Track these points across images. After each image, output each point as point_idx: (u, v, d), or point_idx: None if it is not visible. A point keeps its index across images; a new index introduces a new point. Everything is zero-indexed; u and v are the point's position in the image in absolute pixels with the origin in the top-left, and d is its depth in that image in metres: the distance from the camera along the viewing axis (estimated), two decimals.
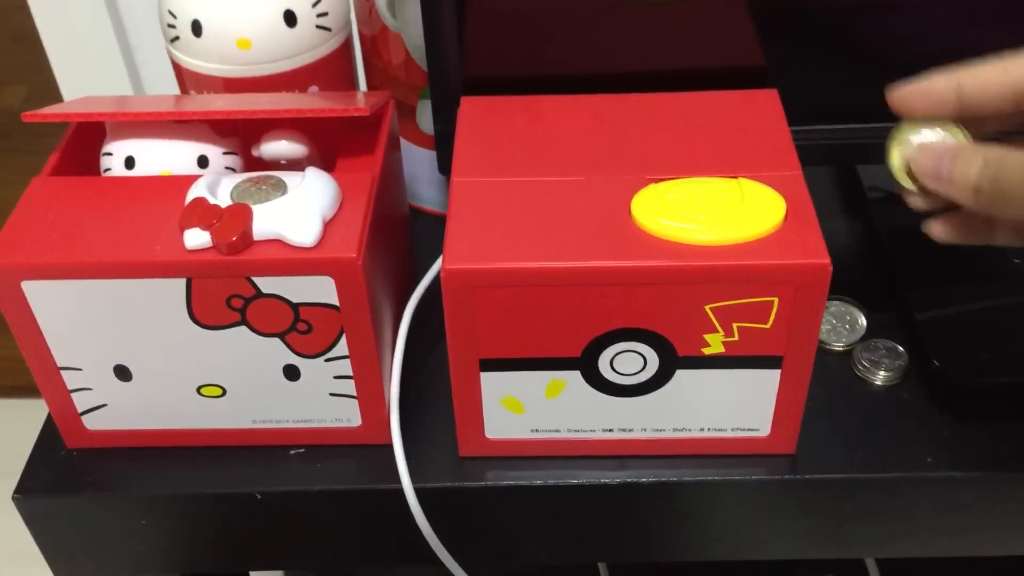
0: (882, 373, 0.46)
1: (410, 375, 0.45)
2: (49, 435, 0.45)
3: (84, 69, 0.83)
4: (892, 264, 0.50)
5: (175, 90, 0.54)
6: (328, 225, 0.39)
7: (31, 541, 0.45)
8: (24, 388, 1.27)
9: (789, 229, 0.37)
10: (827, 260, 0.36)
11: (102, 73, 0.82)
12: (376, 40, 0.52)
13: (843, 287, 0.49)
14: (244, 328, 0.40)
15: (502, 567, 0.57)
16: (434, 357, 0.48)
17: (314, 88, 0.52)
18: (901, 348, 0.47)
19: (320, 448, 0.44)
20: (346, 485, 0.43)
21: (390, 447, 0.43)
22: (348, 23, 0.53)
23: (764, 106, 0.44)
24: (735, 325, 0.38)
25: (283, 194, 0.39)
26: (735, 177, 0.40)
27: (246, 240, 0.38)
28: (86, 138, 0.44)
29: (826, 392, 0.46)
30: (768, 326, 0.38)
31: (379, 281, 0.41)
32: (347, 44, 0.54)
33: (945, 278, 0.49)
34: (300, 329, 0.40)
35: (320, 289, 0.38)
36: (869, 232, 0.54)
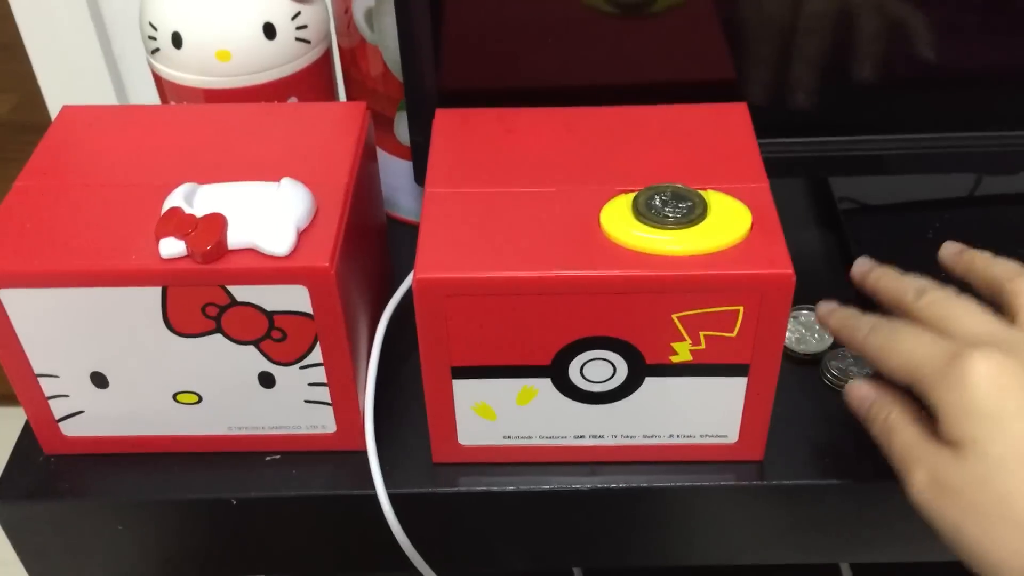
0: (850, 382, 0.46)
1: (385, 382, 0.46)
2: (27, 441, 0.45)
3: (69, 78, 0.83)
4: None
5: (159, 99, 0.55)
6: (302, 234, 0.39)
7: (11, 548, 0.45)
8: (2, 396, 1.27)
9: (754, 240, 0.38)
10: (790, 270, 0.37)
11: (87, 82, 0.83)
12: (355, 52, 0.53)
13: (813, 296, 0.50)
14: (219, 336, 0.40)
15: (476, 572, 0.58)
16: (409, 365, 0.49)
17: (293, 99, 0.53)
18: None
19: (295, 454, 0.45)
20: (321, 491, 0.44)
21: (364, 453, 0.44)
22: (327, 36, 0.54)
23: (733, 119, 0.45)
24: (702, 334, 0.39)
25: (258, 204, 0.40)
26: (703, 189, 0.40)
27: (221, 249, 0.38)
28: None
29: (794, 400, 0.46)
30: (734, 335, 0.39)
31: (354, 289, 0.42)
32: (327, 56, 0.55)
33: None
34: (275, 337, 0.40)
35: (294, 298, 0.39)
36: (840, 242, 0.55)
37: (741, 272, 0.37)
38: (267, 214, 0.39)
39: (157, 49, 0.51)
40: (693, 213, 0.39)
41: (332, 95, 0.56)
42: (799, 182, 0.60)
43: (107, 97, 0.83)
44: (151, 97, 0.84)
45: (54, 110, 0.86)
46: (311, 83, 0.54)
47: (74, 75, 0.82)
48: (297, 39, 0.52)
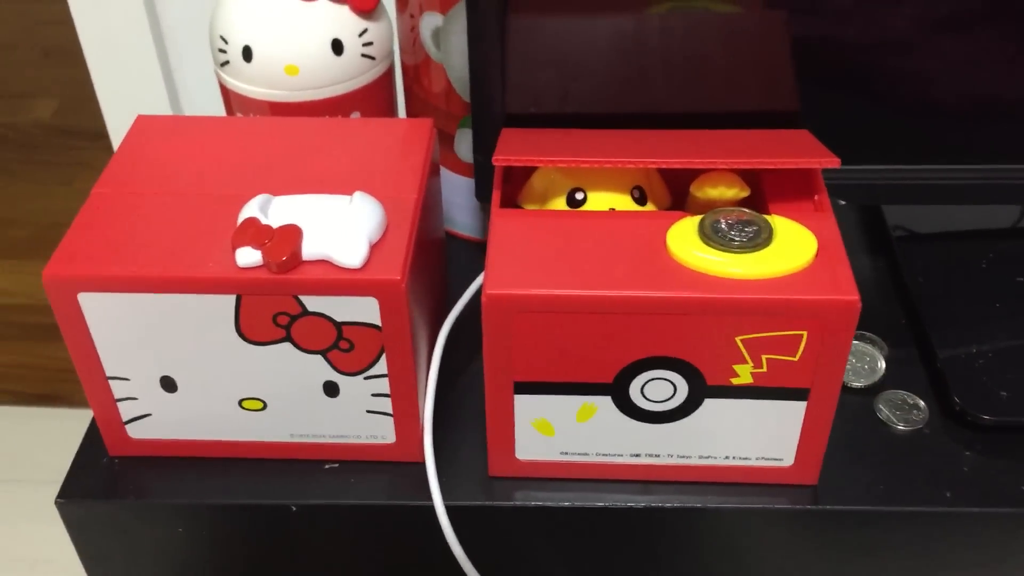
0: (901, 426, 0.47)
1: (441, 395, 0.46)
2: (91, 443, 0.46)
3: (124, 86, 0.85)
4: (915, 302, 0.52)
5: (212, 109, 0.56)
6: (374, 248, 0.40)
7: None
8: (50, 397, 1.29)
9: (820, 266, 0.39)
10: (856, 297, 0.38)
11: (142, 90, 0.84)
12: (419, 69, 0.54)
13: (865, 323, 0.51)
14: (288, 344, 0.41)
15: None
16: (464, 378, 0.49)
17: (356, 114, 0.54)
18: (923, 403, 0.47)
19: (354, 463, 0.45)
20: (379, 500, 0.44)
21: (421, 465, 0.44)
22: (391, 52, 0.55)
23: (798, 146, 0.45)
24: (764, 357, 0.40)
25: (331, 216, 0.41)
26: (768, 214, 0.41)
27: (296, 260, 0.39)
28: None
29: (847, 426, 0.47)
30: (796, 359, 0.39)
31: (418, 303, 0.43)
32: (389, 72, 0.56)
33: (967, 317, 0.50)
34: (342, 347, 0.41)
35: (364, 309, 0.40)
36: (892, 270, 0.55)
37: (807, 297, 0.38)
38: (340, 227, 0.40)
39: (227, 62, 0.52)
40: (759, 237, 0.39)
41: (392, 111, 0.57)
42: (851, 209, 0.60)
43: (161, 105, 0.85)
44: (205, 106, 0.86)
45: (110, 116, 0.88)
46: (373, 98, 0.55)
47: (131, 83, 0.84)
48: (363, 55, 0.53)
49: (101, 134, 1.64)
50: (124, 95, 0.86)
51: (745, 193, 0.43)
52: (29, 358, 1.33)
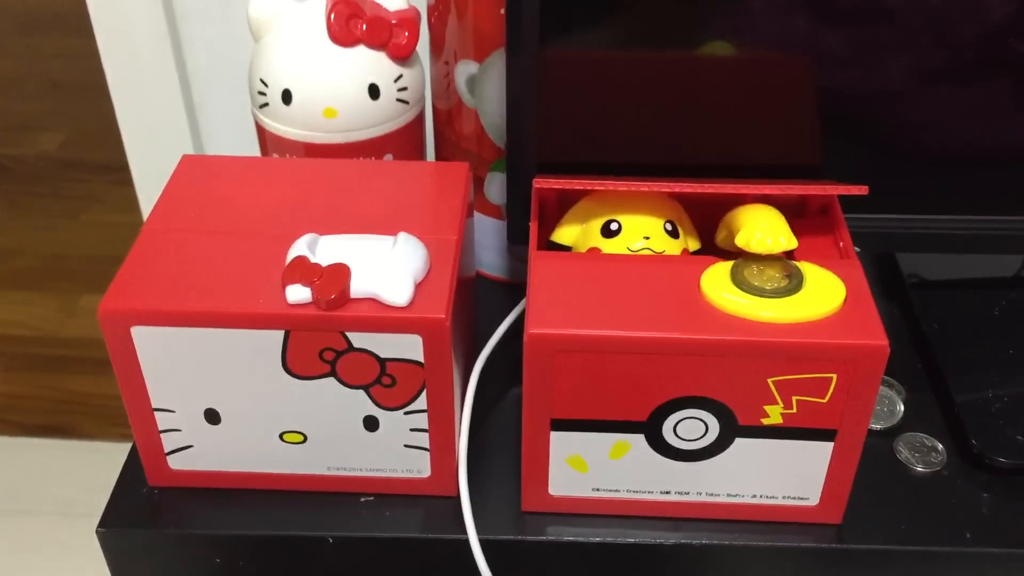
0: (920, 467, 0.48)
1: (473, 431, 0.47)
2: (131, 473, 0.47)
3: (147, 122, 0.87)
4: (931, 348, 0.53)
5: (234, 146, 0.57)
6: (418, 287, 0.42)
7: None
8: (54, 428, 1.29)
9: (849, 311, 0.40)
10: (885, 342, 0.39)
11: (165, 126, 0.86)
12: (451, 114, 0.56)
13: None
14: (332, 379, 0.42)
15: None
16: (494, 413, 0.51)
17: (388, 156, 0.56)
18: (940, 445, 0.49)
19: (389, 497, 0.46)
20: (413, 533, 0.45)
21: (455, 499, 0.45)
22: (423, 97, 0.57)
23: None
24: (794, 398, 0.41)
25: (377, 256, 0.42)
26: (797, 261, 0.43)
27: (344, 298, 0.40)
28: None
29: (867, 467, 0.48)
30: (825, 400, 0.41)
31: (456, 340, 0.44)
32: (420, 116, 0.57)
33: (982, 362, 0.52)
34: (384, 383, 0.42)
35: (407, 346, 0.41)
36: (908, 316, 0.57)
37: (838, 342, 0.39)
38: (386, 266, 0.41)
39: (266, 104, 0.54)
40: (790, 283, 0.41)
41: (422, 153, 0.59)
42: (866, 256, 0.62)
43: (184, 141, 0.86)
44: (227, 144, 0.87)
45: (132, 151, 0.89)
46: (405, 141, 0.56)
47: (154, 119, 0.86)
48: (397, 100, 0.54)
49: (108, 167, 1.65)
50: (147, 131, 0.87)
51: (794, 245, 0.44)
52: (33, 389, 1.33)
